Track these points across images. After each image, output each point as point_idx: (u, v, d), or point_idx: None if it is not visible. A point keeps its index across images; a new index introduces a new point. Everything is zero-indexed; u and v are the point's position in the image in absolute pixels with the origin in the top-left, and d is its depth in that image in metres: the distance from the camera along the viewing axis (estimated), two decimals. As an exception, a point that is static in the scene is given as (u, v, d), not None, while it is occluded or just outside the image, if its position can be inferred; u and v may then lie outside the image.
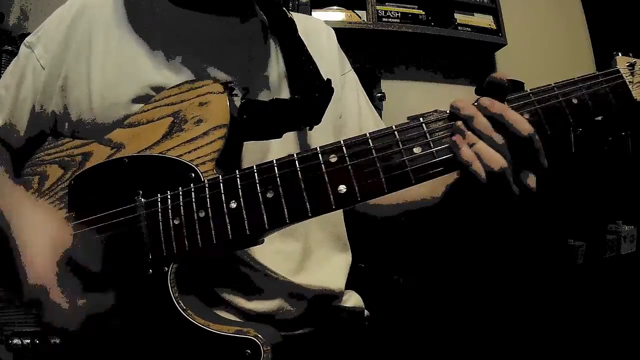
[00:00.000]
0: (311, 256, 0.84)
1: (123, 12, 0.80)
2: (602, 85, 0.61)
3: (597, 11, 2.66)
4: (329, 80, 0.78)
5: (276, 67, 0.85)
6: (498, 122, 0.57)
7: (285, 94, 0.83)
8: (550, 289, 1.82)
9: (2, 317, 0.73)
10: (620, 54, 0.64)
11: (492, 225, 1.76)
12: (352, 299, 0.89)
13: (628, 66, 0.62)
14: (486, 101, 0.58)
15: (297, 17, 0.91)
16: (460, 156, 0.57)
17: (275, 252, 0.77)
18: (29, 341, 0.69)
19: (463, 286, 1.75)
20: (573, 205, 1.95)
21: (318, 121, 0.77)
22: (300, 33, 0.86)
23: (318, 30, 0.95)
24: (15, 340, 0.69)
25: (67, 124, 0.79)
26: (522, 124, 0.57)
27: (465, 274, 1.76)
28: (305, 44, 0.84)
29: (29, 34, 0.85)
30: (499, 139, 0.57)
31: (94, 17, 0.79)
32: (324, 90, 0.77)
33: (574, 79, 0.61)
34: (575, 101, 0.59)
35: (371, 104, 1.00)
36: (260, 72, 0.82)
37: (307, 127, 0.79)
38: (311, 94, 0.76)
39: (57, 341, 0.68)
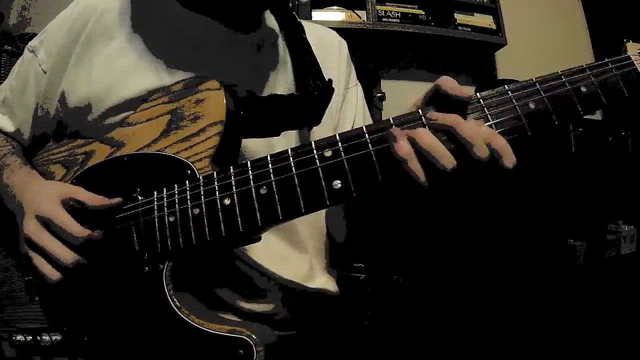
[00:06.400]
0: (308, 258, 0.84)
1: (128, 14, 0.79)
2: (613, 73, 0.57)
3: (597, 11, 2.66)
4: (330, 80, 0.77)
5: (285, 75, 0.84)
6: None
7: None
8: (550, 289, 1.82)
9: (6, 314, 0.74)
10: (631, 41, 0.60)
11: (493, 225, 1.76)
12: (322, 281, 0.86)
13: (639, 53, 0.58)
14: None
15: (311, 26, 0.90)
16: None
17: (272, 254, 0.77)
18: (31, 338, 0.69)
19: (463, 286, 1.75)
20: (573, 205, 1.95)
21: (317, 122, 0.76)
22: (313, 43, 0.84)
23: (331, 42, 0.94)
24: (19, 337, 0.70)
25: (69, 125, 0.80)
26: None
27: (466, 274, 1.76)
28: (316, 53, 0.83)
29: (29, 33, 0.86)
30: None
31: (97, 20, 0.78)
32: (323, 90, 0.76)
33: (582, 66, 0.57)
34: (584, 89, 0.56)
35: (370, 121, 0.95)
36: (268, 79, 0.82)
37: (306, 128, 0.78)
38: (311, 93, 0.75)
39: (58, 337, 0.69)
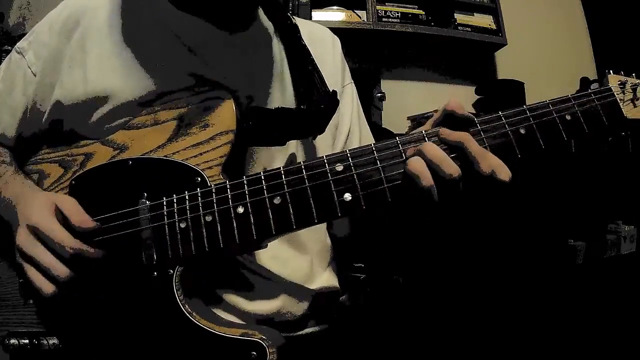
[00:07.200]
0: (309, 259, 0.84)
1: (120, 14, 0.78)
2: (594, 103, 0.63)
3: (597, 11, 2.67)
4: (334, 92, 0.78)
5: (281, 75, 0.84)
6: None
7: (290, 102, 0.83)
8: (550, 289, 1.83)
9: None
10: (612, 72, 0.67)
11: (492, 224, 1.77)
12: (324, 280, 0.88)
13: (619, 84, 0.65)
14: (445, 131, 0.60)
15: (303, 23, 0.90)
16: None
17: (274, 256, 0.78)
18: (27, 341, 0.68)
19: (463, 286, 1.75)
20: (573, 205, 1.95)
21: (322, 131, 0.77)
22: (305, 40, 0.85)
23: (324, 38, 0.94)
24: (12, 341, 0.68)
25: (65, 124, 0.79)
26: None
27: (466, 274, 1.77)
28: (310, 51, 0.83)
29: (29, 33, 0.84)
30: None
31: (88, 20, 0.78)
32: (330, 102, 0.77)
33: (567, 96, 0.64)
34: (568, 117, 0.62)
35: (364, 120, 0.98)
36: (265, 80, 0.82)
37: (311, 137, 0.79)
38: (317, 105, 0.76)
39: (56, 342, 0.68)
